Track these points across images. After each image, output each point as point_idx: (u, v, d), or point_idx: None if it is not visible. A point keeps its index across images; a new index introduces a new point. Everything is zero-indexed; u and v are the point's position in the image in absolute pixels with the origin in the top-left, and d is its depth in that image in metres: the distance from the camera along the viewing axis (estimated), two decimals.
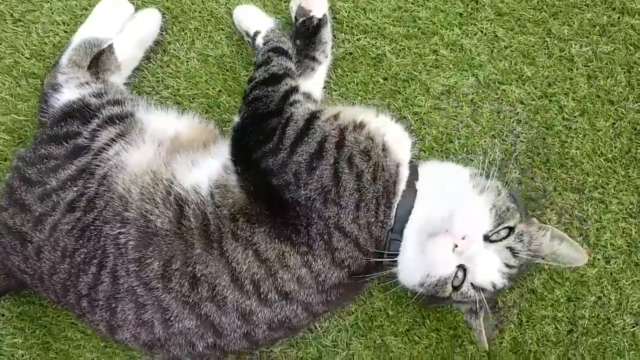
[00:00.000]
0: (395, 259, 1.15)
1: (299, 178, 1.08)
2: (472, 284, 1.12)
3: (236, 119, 1.19)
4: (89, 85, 1.30)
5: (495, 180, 1.17)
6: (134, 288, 1.11)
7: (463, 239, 1.06)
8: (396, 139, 1.17)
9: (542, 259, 1.18)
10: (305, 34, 1.30)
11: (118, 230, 1.12)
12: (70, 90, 1.29)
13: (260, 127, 1.13)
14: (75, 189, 1.16)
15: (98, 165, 1.18)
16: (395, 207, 1.12)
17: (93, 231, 1.13)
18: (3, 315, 1.45)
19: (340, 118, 1.16)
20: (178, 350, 1.15)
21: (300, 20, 1.30)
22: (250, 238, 1.07)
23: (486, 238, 1.10)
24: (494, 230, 1.10)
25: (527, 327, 1.42)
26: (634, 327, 1.41)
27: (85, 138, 1.21)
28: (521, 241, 1.13)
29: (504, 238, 1.12)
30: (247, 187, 1.10)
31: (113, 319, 1.13)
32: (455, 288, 1.12)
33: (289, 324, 1.14)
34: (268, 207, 1.08)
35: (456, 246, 1.06)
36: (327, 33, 1.33)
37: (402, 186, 1.13)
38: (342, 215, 1.07)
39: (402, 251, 1.14)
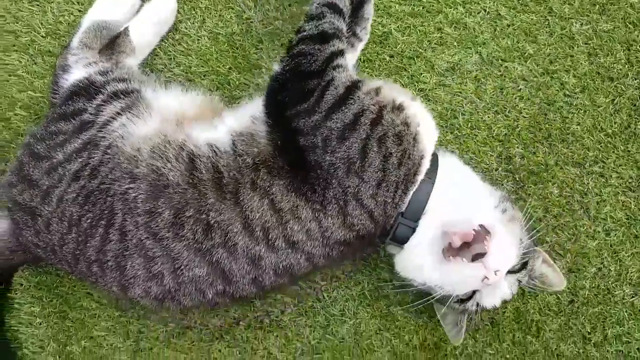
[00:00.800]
0: (399, 243, 1.18)
1: (327, 144, 1.08)
2: (477, 303, 1.18)
3: (276, 67, 1.16)
4: (97, 64, 1.33)
5: (517, 210, 1.21)
6: (143, 241, 1.12)
7: (496, 273, 1.09)
8: (427, 131, 1.17)
9: (532, 280, 1.24)
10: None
11: (127, 186, 1.13)
12: (78, 70, 1.32)
13: (299, 85, 1.12)
14: (80, 160, 1.18)
15: (103, 137, 1.20)
16: (411, 194, 1.14)
17: (98, 195, 1.15)
18: (21, 284, 1.49)
19: (380, 94, 1.14)
20: (188, 300, 1.17)
21: None
22: (268, 189, 1.10)
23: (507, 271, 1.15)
24: (516, 266, 1.16)
25: (529, 297, 1.46)
26: (633, 297, 1.45)
27: (91, 114, 1.23)
28: (527, 275, 1.20)
29: (518, 271, 1.18)
30: (275, 141, 1.12)
31: (123, 277, 1.15)
32: (460, 301, 1.18)
33: (292, 271, 1.16)
34: (290, 164, 1.10)
35: (486, 278, 1.09)
36: (370, 9, 1.33)
37: (420, 177, 1.15)
38: (362, 188, 1.09)
39: (412, 245, 1.16)
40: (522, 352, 1.46)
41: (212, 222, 1.10)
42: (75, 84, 1.29)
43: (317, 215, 1.10)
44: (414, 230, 1.15)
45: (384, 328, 1.47)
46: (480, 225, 1.10)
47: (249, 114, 1.19)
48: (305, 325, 1.48)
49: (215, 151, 1.15)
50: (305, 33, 1.16)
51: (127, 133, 1.20)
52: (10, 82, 1.48)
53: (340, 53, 1.17)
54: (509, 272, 1.16)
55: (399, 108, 1.13)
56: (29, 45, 1.48)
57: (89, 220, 1.15)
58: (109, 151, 1.18)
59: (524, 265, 1.19)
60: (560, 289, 1.29)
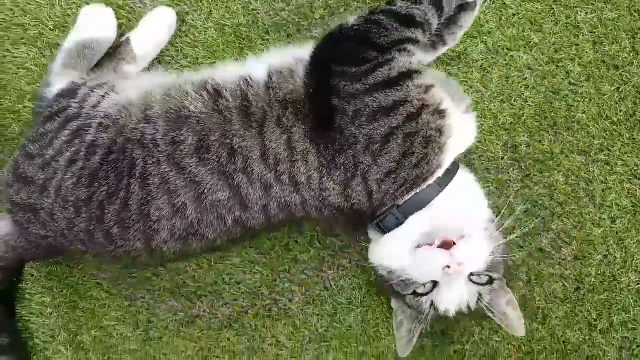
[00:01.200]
0: (381, 231, 1.19)
1: (356, 117, 1.08)
2: (432, 301, 1.16)
3: (351, 20, 1.15)
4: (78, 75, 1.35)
5: (500, 235, 1.20)
6: (165, 176, 1.13)
7: (458, 264, 1.09)
8: (455, 145, 1.15)
9: (492, 313, 1.21)
10: None
11: (142, 126, 1.15)
12: (61, 82, 1.33)
13: (358, 48, 1.11)
14: (73, 149, 1.19)
15: (93, 117, 1.21)
16: (412, 194, 1.14)
17: (110, 165, 1.15)
18: (32, 275, 1.51)
19: (430, 93, 1.11)
20: (211, 232, 1.17)
21: None
22: (290, 128, 1.11)
23: (470, 275, 1.14)
24: (481, 273, 1.15)
25: (535, 284, 1.47)
26: (638, 284, 1.46)
27: (75, 108, 1.25)
28: (489, 293, 1.18)
29: (482, 285, 1.16)
30: (310, 87, 1.12)
31: (147, 224, 1.15)
32: (416, 294, 1.17)
33: (289, 209, 1.17)
34: (316, 116, 1.11)
35: (448, 267, 1.09)
36: (467, 19, 1.27)
37: (428, 183, 1.14)
38: (372, 170, 1.10)
39: (393, 234, 1.17)
40: (528, 339, 1.47)
41: (236, 147, 1.12)
42: (59, 92, 1.31)
43: (321, 168, 1.12)
44: (400, 223, 1.16)
45: (390, 316, 1.48)
46: (462, 236, 1.12)
47: (293, 54, 1.19)
48: (313, 314, 1.49)
49: (247, 80, 1.15)
50: (393, 7, 1.15)
51: (125, 98, 1.22)
52: (20, 75, 1.50)
53: (415, 41, 1.15)
54: (473, 281, 1.15)
55: (440, 113, 1.11)
56: (37, 38, 1.49)
57: (104, 194, 1.15)
58: (102, 128, 1.19)
59: (489, 282, 1.17)
60: (517, 334, 1.25)
